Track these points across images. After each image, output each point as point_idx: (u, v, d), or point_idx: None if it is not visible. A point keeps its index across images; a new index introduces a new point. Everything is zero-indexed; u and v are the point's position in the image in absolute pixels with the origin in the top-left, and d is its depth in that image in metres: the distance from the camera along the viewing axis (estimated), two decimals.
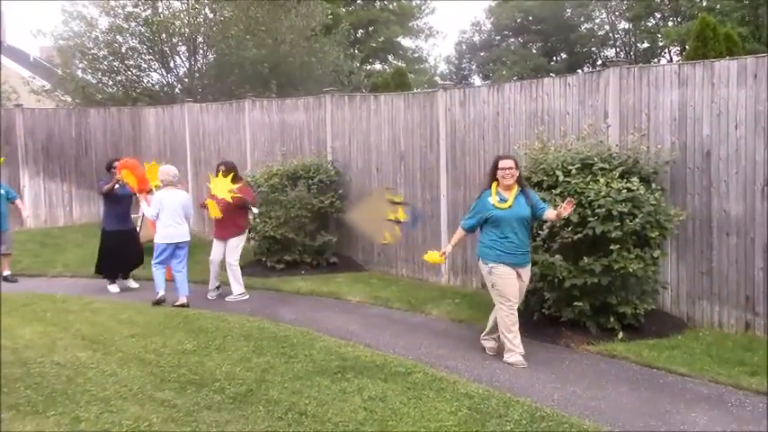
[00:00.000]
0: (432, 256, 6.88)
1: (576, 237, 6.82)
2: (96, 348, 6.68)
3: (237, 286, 9.36)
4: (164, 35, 18.40)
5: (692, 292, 7.42)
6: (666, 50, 37.63)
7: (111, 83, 19.48)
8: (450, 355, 6.72)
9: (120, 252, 9.93)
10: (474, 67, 50.19)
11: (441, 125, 9.72)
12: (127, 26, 18.60)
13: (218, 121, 14.15)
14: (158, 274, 9.01)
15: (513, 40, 47.16)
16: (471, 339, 7.21)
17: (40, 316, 8.00)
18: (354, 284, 9.79)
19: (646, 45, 40.44)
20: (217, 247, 9.38)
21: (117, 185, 9.63)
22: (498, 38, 48.03)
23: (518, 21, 45.90)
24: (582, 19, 44.37)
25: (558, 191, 7.06)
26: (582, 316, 7.02)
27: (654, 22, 40.18)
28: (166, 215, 8.86)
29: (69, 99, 19.90)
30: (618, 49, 41.03)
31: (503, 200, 6.38)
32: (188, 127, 15.01)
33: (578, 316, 7.03)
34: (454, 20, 68.52)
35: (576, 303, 6.92)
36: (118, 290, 9.95)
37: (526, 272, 6.54)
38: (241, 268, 11.01)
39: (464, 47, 50.02)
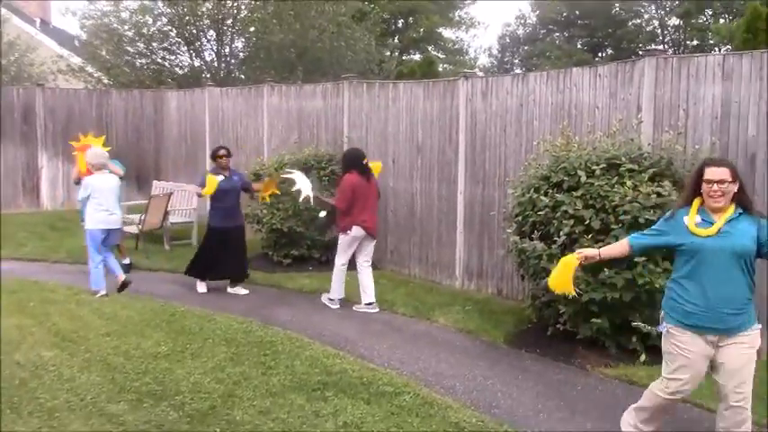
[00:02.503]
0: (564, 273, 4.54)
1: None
2: (65, 347, 6.16)
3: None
4: (191, 18, 17.91)
5: None
6: (717, 48, 36.21)
7: (138, 65, 19.07)
8: (449, 372, 6.01)
9: (223, 252, 8.75)
10: (517, 60, 49.10)
11: (461, 116, 8.98)
12: (153, 6, 18.15)
13: (238, 107, 13.58)
14: (111, 259, 8.52)
15: (558, 34, 45.98)
16: (475, 353, 6.52)
17: (22, 306, 7.54)
18: None
19: (695, 42, 38.97)
20: None
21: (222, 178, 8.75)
22: (543, 32, 46.86)
23: (564, 15, 44.69)
24: (630, 14, 43.01)
25: (579, 193, 6.30)
26: (600, 334, 6.27)
27: (705, 19, 38.74)
28: (100, 200, 8.26)
29: (97, 77, 19.53)
30: (666, 46, 39.55)
31: (706, 222, 4.13)
32: (208, 112, 14.48)
33: (596, 334, 6.28)
34: (497, 11, 67.32)
35: (594, 320, 6.17)
36: (206, 290, 8.88)
37: (732, 347, 4.12)
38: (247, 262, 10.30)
39: (507, 40, 48.95)
